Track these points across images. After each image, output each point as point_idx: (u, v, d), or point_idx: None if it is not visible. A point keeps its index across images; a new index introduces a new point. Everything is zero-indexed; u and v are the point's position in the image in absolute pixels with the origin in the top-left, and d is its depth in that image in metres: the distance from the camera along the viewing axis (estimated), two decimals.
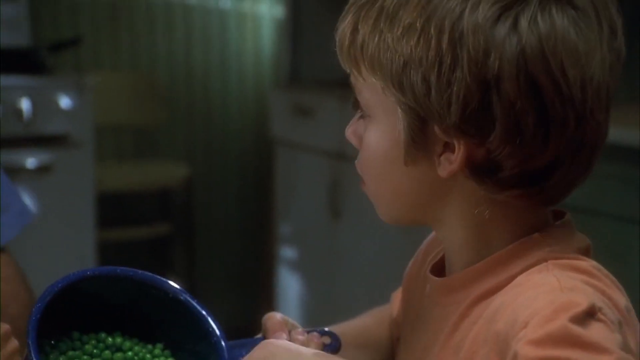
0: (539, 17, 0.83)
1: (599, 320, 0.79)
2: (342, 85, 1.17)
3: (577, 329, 0.77)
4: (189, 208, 3.81)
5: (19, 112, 3.07)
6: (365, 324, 1.13)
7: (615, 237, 2.22)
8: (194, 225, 3.90)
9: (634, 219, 2.20)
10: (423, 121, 0.87)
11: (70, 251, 3.22)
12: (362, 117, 0.94)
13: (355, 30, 0.90)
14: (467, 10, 0.82)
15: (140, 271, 1.01)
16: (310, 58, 3.52)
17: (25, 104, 3.08)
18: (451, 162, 0.87)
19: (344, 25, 0.91)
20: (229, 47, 3.92)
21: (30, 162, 3.16)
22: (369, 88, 0.90)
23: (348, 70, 0.92)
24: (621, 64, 0.89)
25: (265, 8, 3.93)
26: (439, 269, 0.97)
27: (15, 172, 3.11)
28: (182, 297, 1.02)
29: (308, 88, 3.36)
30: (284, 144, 3.33)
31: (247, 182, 3.98)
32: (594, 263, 0.88)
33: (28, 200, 2.14)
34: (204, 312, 1.02)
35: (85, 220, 3.29)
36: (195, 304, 1.02)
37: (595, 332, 0.79)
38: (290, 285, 3.37)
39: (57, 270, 1.65)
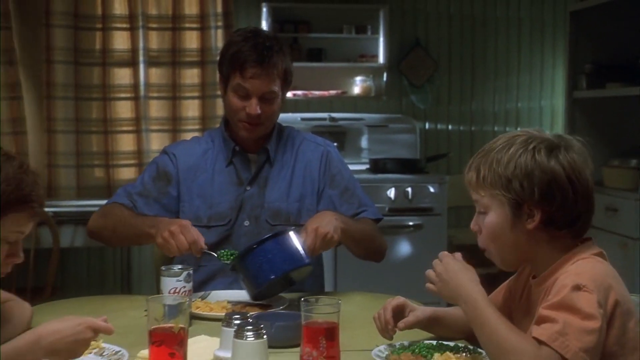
0: (567, 155, 1.40)
1: (584, 291, 1.28)
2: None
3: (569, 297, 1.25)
4: None
5: (406, 194, 4.29)
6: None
7: None
8: None
9: None
10: (518, 204, 1.39)
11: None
12: (478, 215, 1.43)
13: (478, 172, 1.42)
14: (536, 155, 1.38)
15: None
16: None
17: (410, 189, 4.29)
18: (534, 221, 1.38)
19: (471, 173, 1.44)
20: None
21: (410, 222, 4.29)
22: (488, 197, 1.40)
23: (475, 197, 1.42)
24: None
25: None
26: (533, 277, 1.48)
27: (401, 228, 4.22)
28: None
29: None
30: None
31: None
32: (599, 258, 1.39)
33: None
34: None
35: None
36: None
37: (583, 300, 1.25)
38: None
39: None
